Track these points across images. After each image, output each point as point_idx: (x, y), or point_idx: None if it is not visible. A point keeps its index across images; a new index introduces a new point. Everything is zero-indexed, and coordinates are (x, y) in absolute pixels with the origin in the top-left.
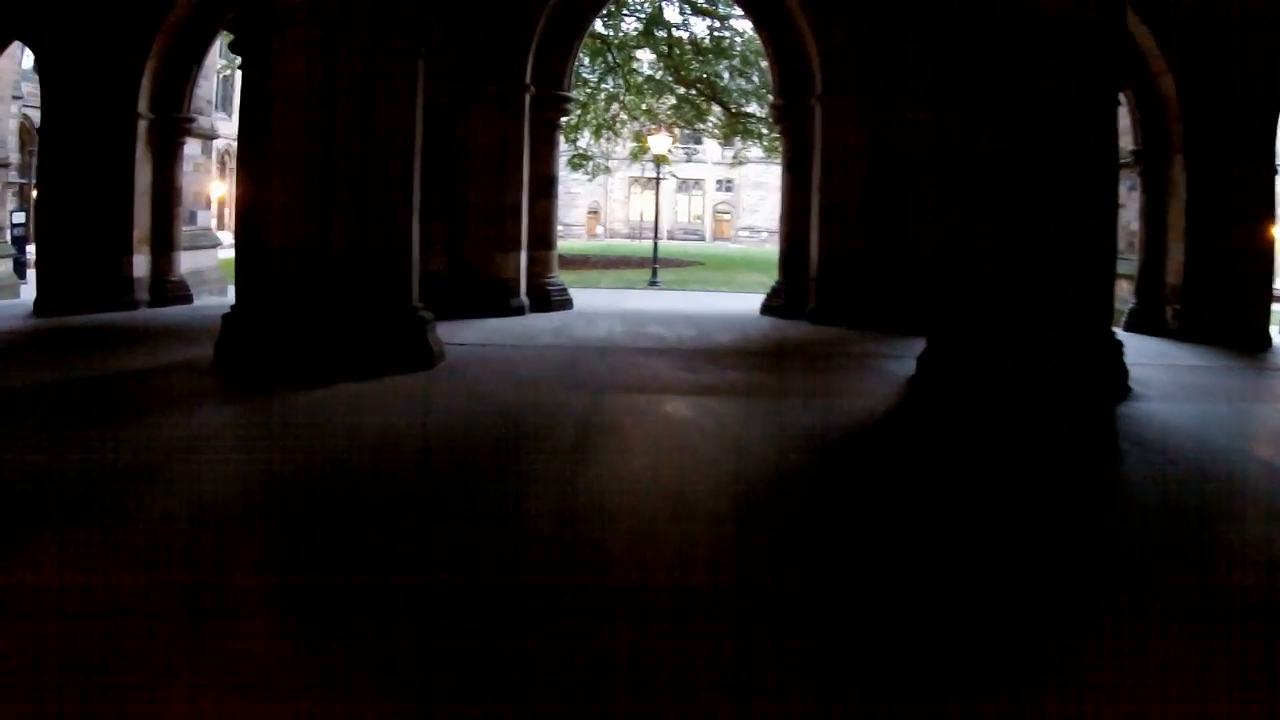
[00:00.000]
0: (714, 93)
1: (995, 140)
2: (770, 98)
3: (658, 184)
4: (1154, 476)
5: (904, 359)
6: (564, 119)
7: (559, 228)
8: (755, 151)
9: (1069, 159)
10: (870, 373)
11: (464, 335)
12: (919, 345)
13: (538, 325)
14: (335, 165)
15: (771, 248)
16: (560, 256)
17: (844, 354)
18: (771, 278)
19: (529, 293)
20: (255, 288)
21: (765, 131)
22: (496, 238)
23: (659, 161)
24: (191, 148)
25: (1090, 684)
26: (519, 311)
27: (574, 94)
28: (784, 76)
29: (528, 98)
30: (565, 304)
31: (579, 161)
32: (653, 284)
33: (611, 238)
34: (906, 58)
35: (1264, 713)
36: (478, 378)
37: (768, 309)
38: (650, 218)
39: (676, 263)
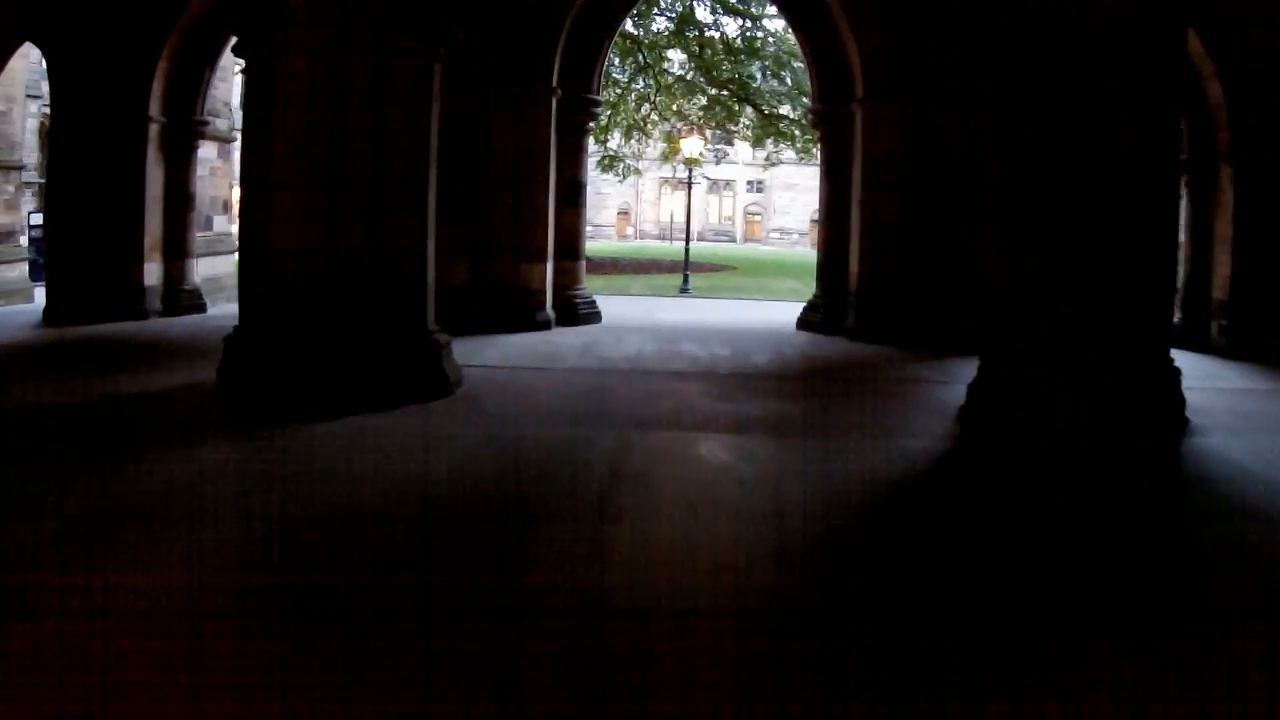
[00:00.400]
0: (746, 94)
1: (1042, 146)
2: (805, 100)
3: (689, 188)
4: (1233, 543)
5: (951, 385)
6: (592, 122)
7: (589, 229)
8: (788, 154)
9: (1123, 167)
10: (917, 403)
11: (485, 355)
12: (966, 368)
13: (564, 342)
14: (339, 174)
15: (803, 250)
16: (589, 260)
17: (888, 379)
18: (804, 283)
19: (555, 305)
20: (257, 306)
21: (798, 134)
22: (521, 248)
23: (690, 164)
24: (207, 151)
25: None
26: (544, 326)
27: (603, 95)
28: (822, 79)
29: (555, 100)
30: (593, 317)
31: (609, 163)
32: (684, 291)
33: (642, 239)
34: (953, 59)
35: None
36: (496, 409)
37: (804, 324)
38: (681, 218)
39: (708, 267)
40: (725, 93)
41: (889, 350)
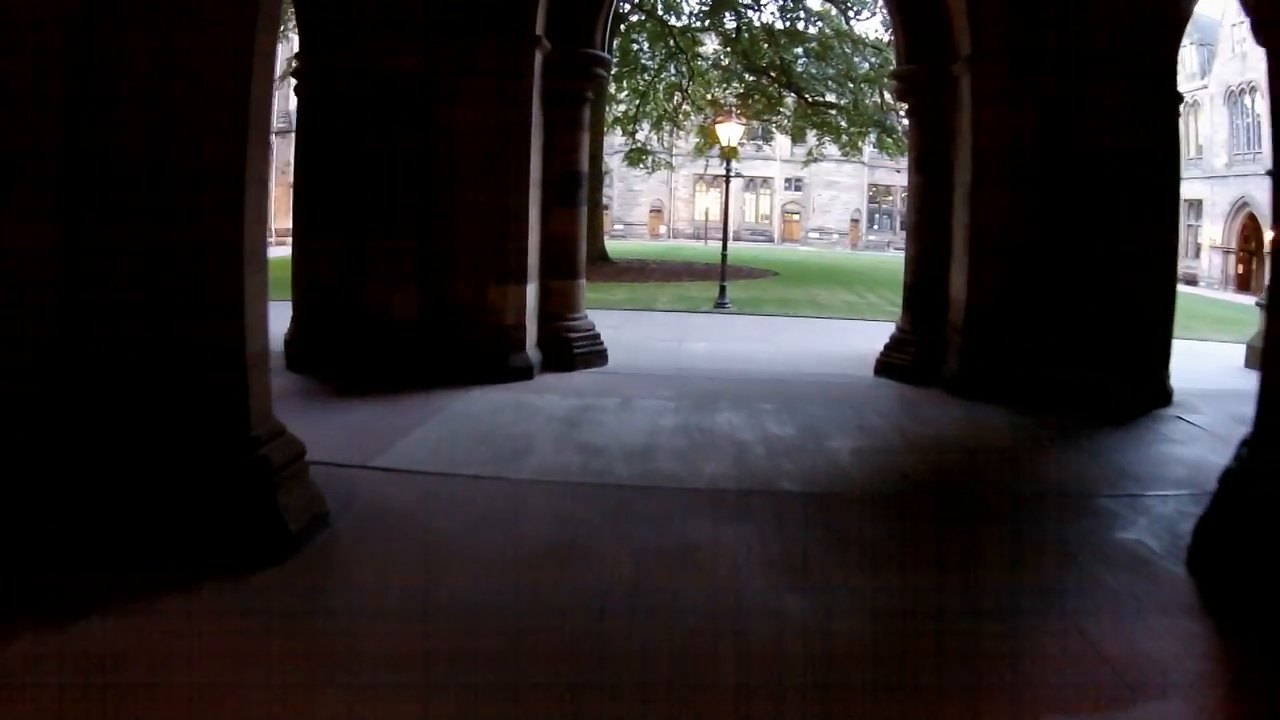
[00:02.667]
0: (789, 78)
1: None
2: (851, 85)
3: (727, 182)
4: None
5: (1141, 508)
6: (594, 91)
7: (618, 228)
8: (829, 149)
9: None
10: (1111, 561)
11: (410, 437)
12: (1137, 457)
13: (542, 410)
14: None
15: (843, 251)
16: (615, 263)
17: (1041, 501)
18: (857, 296)
19: (543, 343)
20: None
21: (844, 124)
22: (491, 265)
23: (727, 155)
24: None
25: None
26: (522, 374)
27: (611, 59)
28: (910, 30)
29: (538, 58)
30: (594, 358)
31: (637, 156)
32: (720, 305)
33: (675, 238)
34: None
35: None
36: (349, 611)
37: (886, 367)
38: (716, 215)
39: (746, 272)
40: (765, 79)
41: (1013, 417)
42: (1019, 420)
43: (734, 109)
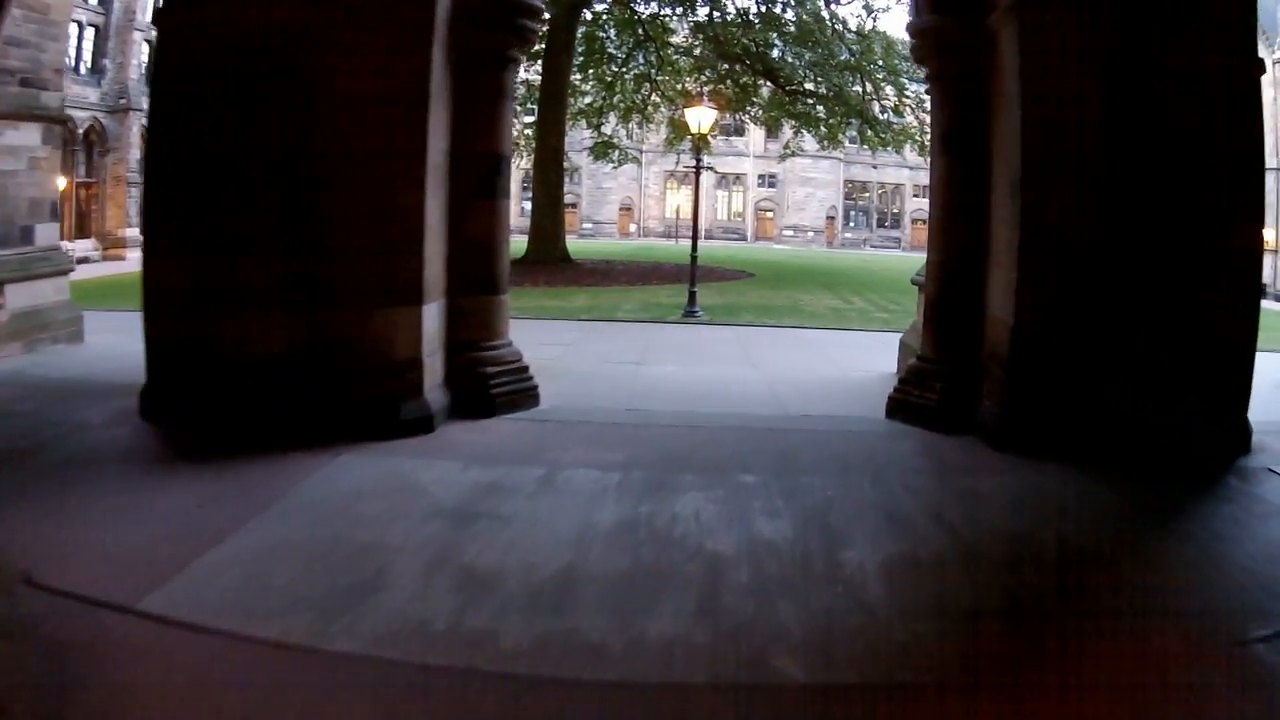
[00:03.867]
0: (765, 66)
1: None
2: (834, 71)
3: (697, 174)
4: None
5: None
6: (522, 51)
7: (587, 226)
8: (809, 143)
9: None
10: None
11: (218, 548)
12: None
13: (424, 493)
14: None
15: (819, 250)
16: (578, 265)
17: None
18: (844, 300)
19: (450, 379)
20: None
21: (822, 113)
22: (378, 281)
23: (698, 144)
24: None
25: None
26: (418, 426)
27: (541, 5)
28: None
29: (443, 3)
30: (521, 397)
31: (603, 150)
32: (690, 314)
33: (646, 237)
34: None
35: None
36: None
37: (903, 407)
38: (688, 213)
39: (719, 273)
40: (739, 67)
41: (1082, 484)
42: (1090, 489)
43: (705, 93)
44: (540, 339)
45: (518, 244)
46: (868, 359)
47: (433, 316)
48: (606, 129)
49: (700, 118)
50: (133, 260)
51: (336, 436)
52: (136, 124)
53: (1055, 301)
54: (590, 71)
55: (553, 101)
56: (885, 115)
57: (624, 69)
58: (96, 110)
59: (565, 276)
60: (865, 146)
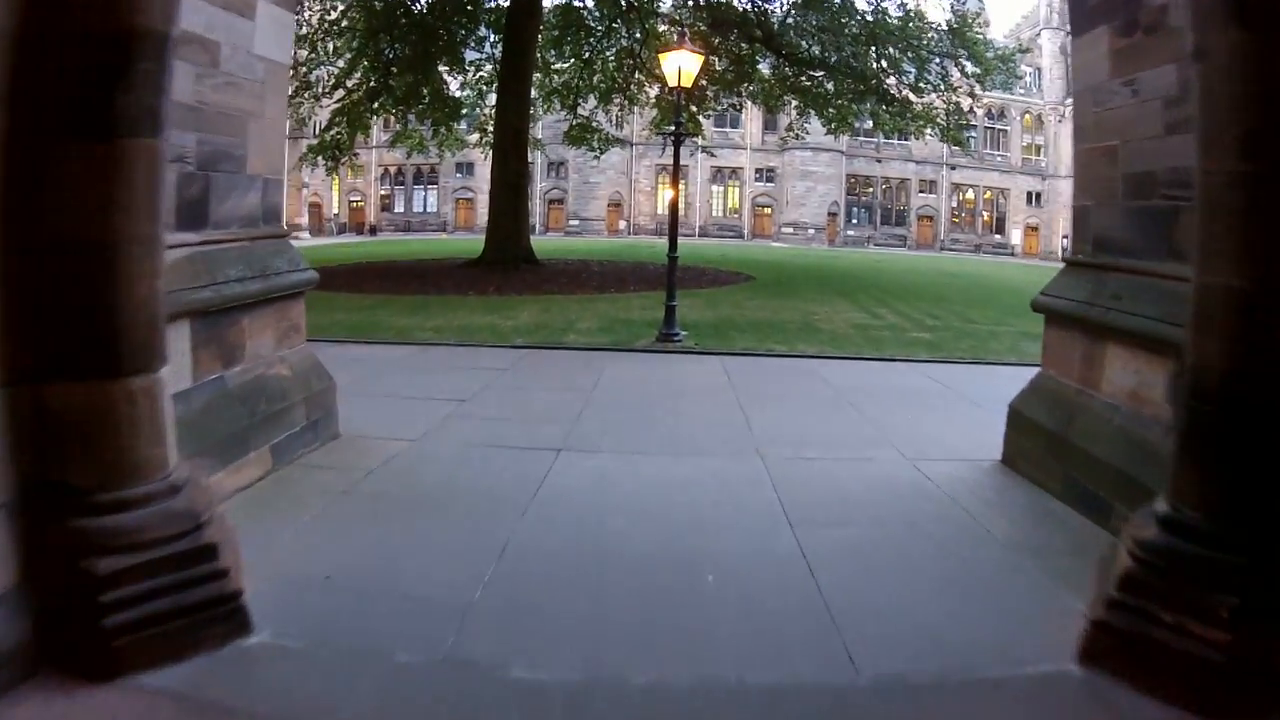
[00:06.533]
0: (764, 33)
1: None
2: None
3: (677, 143)
4: None
5: None
6: None
7: (574, 223)
8: (814, 128)
9: None
10: None
11: None
12: None
13: None
14: None
15: (820, 247)
16: (543, 266)
17: None
18: (871, 316)
19: (31, 582)
20: None
21: (830, 90)
22: None
23: (679, 103)
24: None
25: None
26: None
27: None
28: None
29: None
30: (189, 628)
31: (579, 134)
32: (667, 338)
33: (636, 233)
34: None
35: None
36: None
37: (1131, 642)
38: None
39: (711, 276)
40: (733, 35)
41: None
42: None
43: (685, 33)
44: (429, 385)
45: (474, 243)
46: (936, 423)
47: None
48: (584, 111)
49: (680, 64)
50: None
51: None
52: None
53: None
54: (566, 47)
55: (515, 76)
56: (903, 93)
57: (604, 43)
58: None
59: (521, 282)
60: (879, 131)
